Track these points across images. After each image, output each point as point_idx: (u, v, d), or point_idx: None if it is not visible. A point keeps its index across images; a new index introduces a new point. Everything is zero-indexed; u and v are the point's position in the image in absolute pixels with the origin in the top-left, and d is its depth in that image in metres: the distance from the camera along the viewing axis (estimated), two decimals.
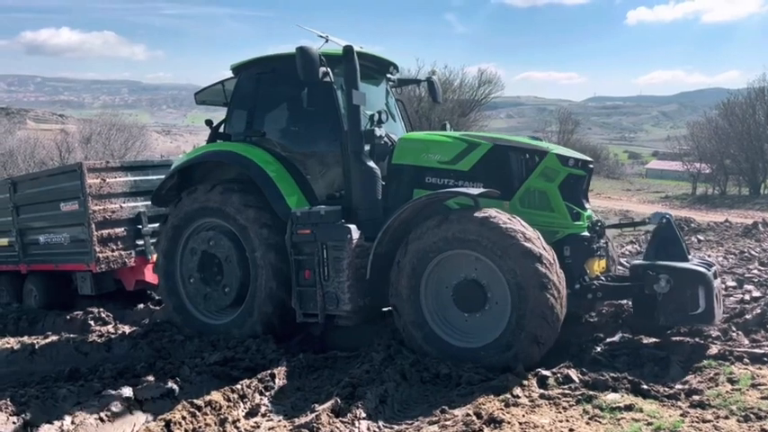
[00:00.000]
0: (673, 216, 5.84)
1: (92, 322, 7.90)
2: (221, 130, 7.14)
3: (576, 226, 5.81)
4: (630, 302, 5.84)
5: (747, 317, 6.07)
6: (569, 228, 5.76)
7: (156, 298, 9.34)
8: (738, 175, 39.78)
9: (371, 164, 6.03)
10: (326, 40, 6.40)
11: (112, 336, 7.05)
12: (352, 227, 5.73)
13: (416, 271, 5.39)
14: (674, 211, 23.65)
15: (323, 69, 5.92)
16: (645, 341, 5.56)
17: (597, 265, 5.90)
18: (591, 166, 6.21)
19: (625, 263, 7.78)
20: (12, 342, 7.22)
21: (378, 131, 6.19)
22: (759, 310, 6.14)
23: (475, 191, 5.46)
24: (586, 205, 6.09)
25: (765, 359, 5.01)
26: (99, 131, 36.27)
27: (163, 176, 8.09)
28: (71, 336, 7.22)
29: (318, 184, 6.48)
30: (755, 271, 8.87)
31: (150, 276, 8.83)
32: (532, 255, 4.94)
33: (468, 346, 5.27)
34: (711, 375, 4.73)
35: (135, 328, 7.45)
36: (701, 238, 12.95)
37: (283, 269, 6.12)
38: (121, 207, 8.77)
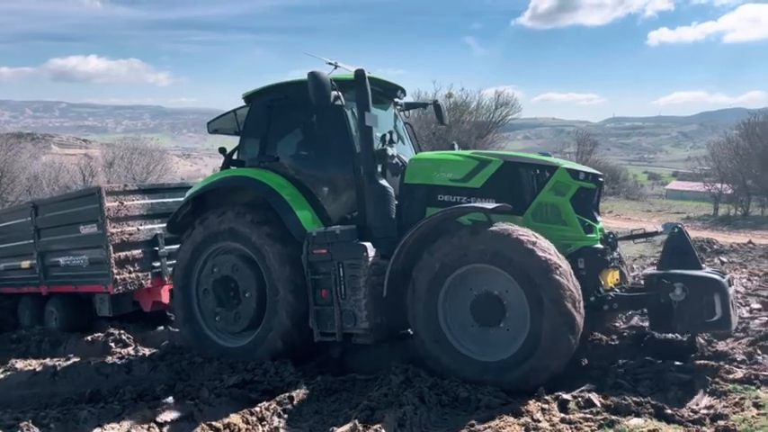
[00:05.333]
0: (684, 226, 5.93)
1: (112, 344, 7.99)
2: (234, 156, 7.27)
3: (589, 238, 5.89)
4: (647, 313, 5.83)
5: None
6: (582, 240, 5.84)
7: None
8: (761, 195, 39.18)
9: (384, 183, 6.12)
10: (335, 67, 6.59)
11: (132, 358, 7.11)
12: (368, 245, 5.81)
13: (434, 285, 5.43)
14: (696, 232, 23.32)
15: (334, 93, 6.05)
16: (668, 364, 5.47)
17: (611, 277, 5.94)
18: (601, 179, 6.30)
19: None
20: (34, 364, 7.32)
21: (390, 151, 6.28)
22: None
23: (489, 206, 5.53)
24: (598, 218, 6.17)
25: None
26: (121, 156, 36.91)
27: (179, 199, 8.21)
28: (92, 358, 7.28)
29: (332, 206, 6.57)
30: None
31: (166, 298, 8.92)
32: (551, 267, 4.98)
33: (484, 359, 5.30)
34: (737, 400, 4.63)
35: (155, 350, 7.50)
36: (725, 259, 12.74)
37: (301, 288, 6.15)
38: (138, 229, 8.87)
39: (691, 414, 4.41)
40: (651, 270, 5.82)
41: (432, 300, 5.45)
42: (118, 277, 8.55)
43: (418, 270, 5.50)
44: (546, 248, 5.10)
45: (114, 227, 8.60)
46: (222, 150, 7.48)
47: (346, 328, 5.86)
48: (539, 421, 4.42)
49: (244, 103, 7.23)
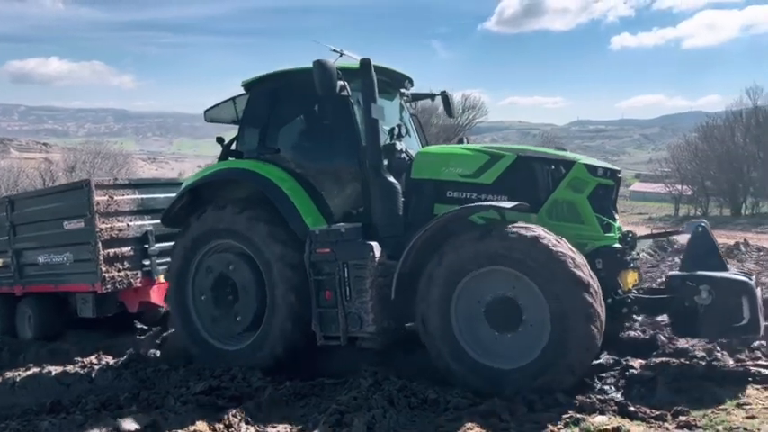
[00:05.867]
0: (707, 225, 5.61)
1: (74, 353, 7.78)
2: (233, 147, 6.94)
3: (608, 238, 5.62)
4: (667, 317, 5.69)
5: None
6: (600, 240, 5.57)
7: (141, 327, 9.21)
8: (719, 196, 40.37)
9: (391, 179, 5.85)
10: (341, 55, 6.30)
11: (95, 366, 6.94)
12: (374, 244, 5.53)
13: (449, 284, 5.17)
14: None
15: (340, 83, 5.76)
16: (631, 363, 5.58)
17: (630, 278, 5.70)
18: (619, 175, 6.01)
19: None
20: None
21: (398, 145, 6.06)
22: None
23: (507, 204, 5.26)
24: (616, 216, 5.89)
25: (750, 379, 5.04)
26: (83, 160, 36.16)
27: (171, 195, 7.95)
28: (53, 367, 7.09)
29: (335, 202, 6.25)
30: None
31: (156, 298, 8.60)
32: (581, 283, 4.78)
33: (495, 365, 5.09)
34: (697, 396, 4.75)
35: (118, 358, 7.35)
36: None
37: (302, 289, 5.85)
38: (129, 225, 8.54)
39: (653, 411, 4.49)
40: (675, 272, 5.59)
41: (446, 297, 5.18)
42: (106, 275, 8.18)
43: (434, 265, 5.23)
44: (579, 264, 4.85)
45: (103, 222, 8.26)
46: (220, 140, 7.15)
47: (351, 332, 5.58)
48: (506, 421, 4.46)
49: (242, 93, 6.89)
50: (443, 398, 4.92)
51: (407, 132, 6.84)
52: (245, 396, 5.37)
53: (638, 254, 6.03)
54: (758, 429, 4.07)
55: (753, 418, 4.27)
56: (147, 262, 8.63)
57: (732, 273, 5.28)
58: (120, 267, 8.41)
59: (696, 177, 40.59)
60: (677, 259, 11.84)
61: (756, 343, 5.69)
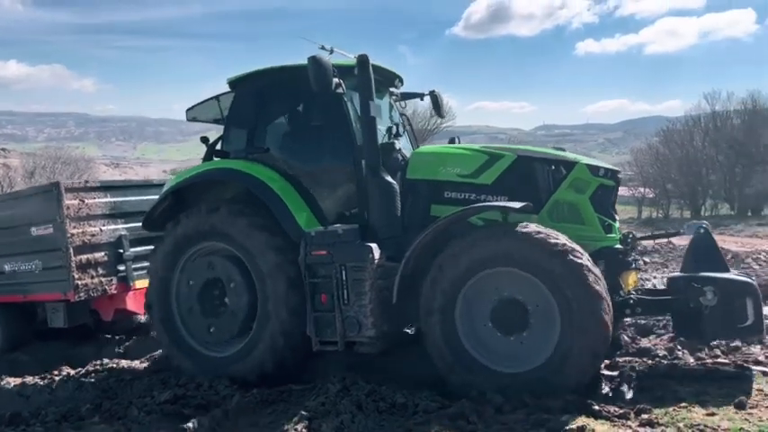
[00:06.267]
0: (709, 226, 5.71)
1: (34, 364, 7.55)
2: (218, 147, 6.70)
3: (609, 238, 5.62)
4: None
5: None
6: (602, 240, 5.56)
7: (106, 336, 8.97)
8: (680, 198, 41.37)
9: (389, 179, 5.73)
10: (331, 53, 6.21)
11: (56, 377, 6.75)
12: (374, 246, 5.40)
13: (456, 284, 5.09)
14: None
15: (335, 80, 5.63)
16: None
17: (631, 279, 5.68)
18: (619, 176, 6.03)
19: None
20: None
21: (397, 144, 5.95)
22: None
23: (516, 205, 5.15)
24: (615, 217, 5.90)
25: (710, 376, 5.18)
26: (43, 165, 35.16)
27: (144, 197, 7.72)
28: (12, 379, 6.88)
29: (327, 203, 6.10)
30: None
31: (133, 305, 8.25)
32: (600, 296, 4.77)
33: (498, 368, 5.07)
34: (659, 394, 4.86)
35: (80, 368, 7.16)
36: (647, 260, 13.36)
37: (296, 293, 5.66)
38: (101, 230, 8.13)
39: (616, 409, 4.59)
40: (677, 273, 5.67)
41: (451, 298, 5.10)
42: (79, 283, 7.76)
43: (441, 262, 5.13)
44: (598, 275, 4.85)
45: (75, 227, 7.82)
46: (204, 140, 6.93)
47: (349, 336, 5.42)
48: (474, 423, 4.49)
49: (227, 91, 6.72)
50: (412, 401, 4.93)
51: (404, 131, 6.73)
52: (212, 404, 5.30)
53: (644, 262, 6.05)
54: (718, 426, 4.18)
55: (713, 415, 4.39)
56: (121, 267, 8.24)
57: (735, 274, 5.35)
58: (94, 274, 7.99)
59: (658, 180, 41.48)
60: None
61: (716, 342, 5.84)
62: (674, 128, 42.59)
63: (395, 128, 6.18)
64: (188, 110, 7.31)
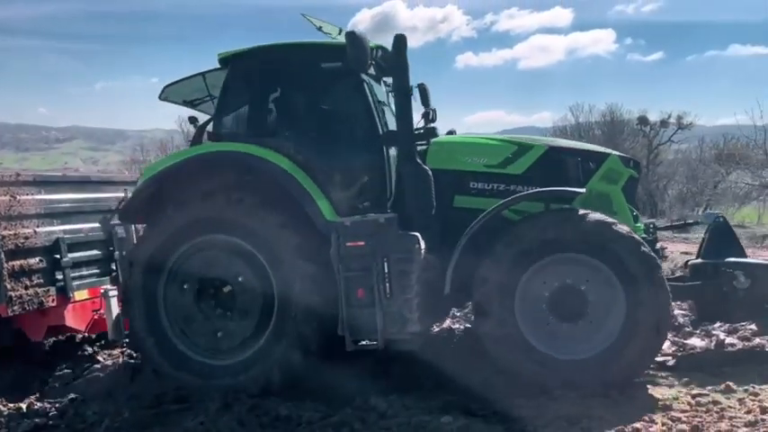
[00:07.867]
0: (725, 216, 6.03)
1: None
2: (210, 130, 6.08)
3: (638, 228, 5.70)
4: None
5: None
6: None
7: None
8: None
9: (425, 166, 5.45)
10: (319, 29, 6.00)
11: None
12: (418, 236, 5.07)
13: (518, 267, 4.99)
14: None
15: (370, 61, 5.31)
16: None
17: None
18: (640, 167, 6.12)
19: None
20: None
21: (437, 130, 5.78)
22: None
23: (580, 190, 5.21)
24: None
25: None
26: None
27: (83, 195, 6.96)
28: None
29: (340, 192, 5.58)
30: None
31: (73, 320, 6.87)
32: (667, 293, 4.86)
33: (550, 353, 5.01)
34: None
35: None
36: None
37: (322, 289, 5.19)
38: (35, 232, 6.70)
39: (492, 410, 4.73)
40: (699, 260, 5.88)
41: (511, 283, 4.99)
42: (12, 294, 6.26)
43: (503, 246, 5.00)
44: (663, 272, 4.93)
45: (5, 228, 6.39)
46: (193, 120, 6.27)
47: (391, 333, 5.05)
48: (358, 430, 4.48)
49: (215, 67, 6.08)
50: (296, 413, 4.77)
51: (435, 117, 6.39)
52: None
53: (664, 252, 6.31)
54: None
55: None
56: (59, 276, 6.80)
57: (760, 258, 5.81)
58: (28, 284, 6.53)
59: None
60: None
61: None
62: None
63: (431, 112, 6.07)
64: (166, 86, 6.55)
